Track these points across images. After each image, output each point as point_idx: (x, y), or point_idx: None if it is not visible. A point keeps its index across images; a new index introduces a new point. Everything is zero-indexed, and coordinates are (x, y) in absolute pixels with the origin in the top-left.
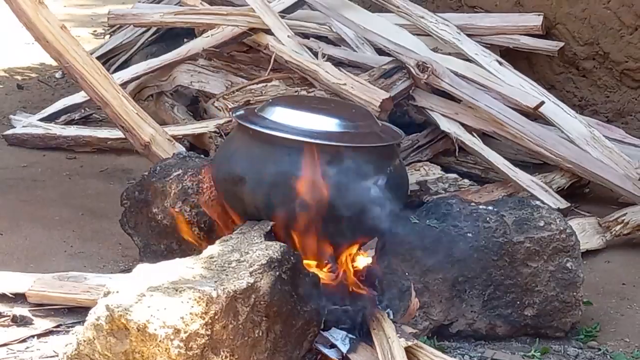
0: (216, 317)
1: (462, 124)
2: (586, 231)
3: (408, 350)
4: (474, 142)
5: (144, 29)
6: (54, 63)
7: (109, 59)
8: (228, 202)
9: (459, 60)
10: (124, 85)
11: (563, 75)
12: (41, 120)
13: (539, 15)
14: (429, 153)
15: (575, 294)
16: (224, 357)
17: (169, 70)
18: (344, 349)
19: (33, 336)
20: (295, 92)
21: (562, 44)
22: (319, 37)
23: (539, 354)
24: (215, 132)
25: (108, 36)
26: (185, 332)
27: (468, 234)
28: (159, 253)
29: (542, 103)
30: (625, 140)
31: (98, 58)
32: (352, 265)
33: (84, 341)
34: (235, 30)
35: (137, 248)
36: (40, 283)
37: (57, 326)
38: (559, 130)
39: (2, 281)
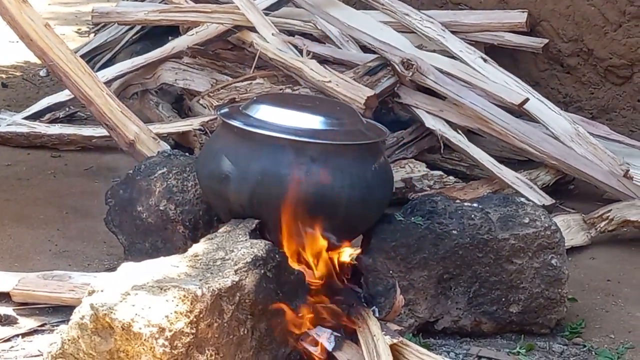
0: (201, 315)
1: (447, 121)
2: (571, 228)
3: (393, 347)
4: (459, 139)
5: (128, 26)
6: (39, 61)
7: (94, 57)
8: (212, 201)
9: (444, 58)
10: (108, 83)
11: (547, 72)
12: (25, 118)
13: (523, 12)
14: (414, 150)
15: (560, 290)
16: (209, 356)
17: (154, 68)
18: (330, 346)
19: (17, 335)
20: (280, 89)
21: (546, 40)
22: (304, 35)
23: (524, 350)
24: (200, 130)
25: (92, 34)
26: (170, 331)
27: (453, 231)
28: (144, 251)
29: (527, 100)
30: (609, 137)
31: (82, 56)
32: (339, 263)
33: (69, 340)
34: (219, 28)
35: (122, 246)
36: (25, 282)
37: (42, 325)
38: (543, 127)
39: None
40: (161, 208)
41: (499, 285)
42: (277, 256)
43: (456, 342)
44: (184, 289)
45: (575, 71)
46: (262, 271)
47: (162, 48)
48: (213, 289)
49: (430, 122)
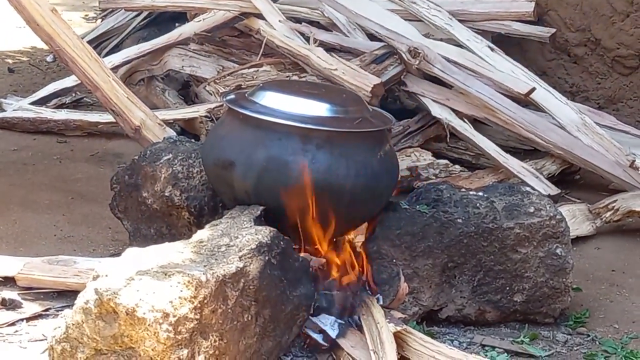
0: (205, 301)
1: (454, 110)
2: (576, 217)
3: (397, 335)
4: (465, 128)
5: (135, 12)
6: (45, 47)
7: (101, 43)
8: (217, 187)
9: (451, 46)
10: (115, 69)
11: (554, 61)
12: (32, 104)
13: (530, 1)
14: (420, 139)
15: (564, 280)
16: (212, 342)
17: (161, 55)
18: (333, 334)
19: (22, 320)
20: (287, 77)
21: (553, 30)
22: (311, 22)
23: (528, 339)
24: (206, 116)
25: (99, 20)
26: (174, 316)
27: (458, 220)
28: (148, 237)
29: (533, 89)
30: (616, 127)
31: (89, 42)
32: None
33: (73, 325)
34: (226, 15)
35: (127, 232)
36: (30, 267)
37: (46, 310)
38: (550, 117)
39: None
40: (166, 194)
41: (504, 274)
42: (281, 243)
43: (460, 330)
44: (188, 274)
45: (582, 61)
46: (267, 258)
47: (169, 34)
48: (217, 275)
49: (437, 111)
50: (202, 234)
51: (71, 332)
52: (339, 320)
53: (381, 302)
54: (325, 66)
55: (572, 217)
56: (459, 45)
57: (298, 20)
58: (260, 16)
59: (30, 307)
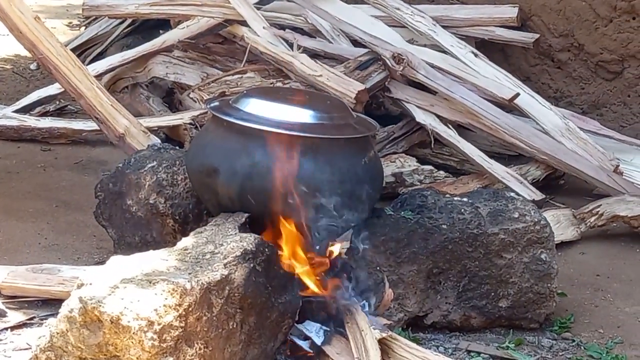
0: (190, 309)
1: (438, 116)
2: (561, 223)
3: (382, 341)
4: (450, 134)
5: (119, 20)
6: (29, 54)
7: (84, 51)
8: (202, 194)
9: (435, 52)
10: (98, 76)
11: (538, 67)
12: (15, 111)
13: (514, 7)
14: (405, 145)
15: (549, 285)
16: (197, 349)
17: (144, 62)
18: (318, 341)
19: (6, 329)
20: (271, 83)
21: (537, 35)
22: (295, 29)
23: (513, 345)
24: (190, 123)
25: (83, 28)
26: (158, 324)
27: (443, 226)
28: (133, 245)
29: (517, 95)
30: (600, 132)
31: (73, 50)
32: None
33: (57, 333)
34: (210, 22)
35: (112, 240)
36: (14, 275)
37: (31, 318)
38: (534, 122)
39: None
40: (151, 202)
41: (489, 279)
42: (266, 250)
43: (445, 336)
44: (173, 282)
45: (566, 66)
46: (252, 265)
47: (152, 41)
48: (202, 283)
49: (421, 117)
50: (187, 242)
51: (56, 340)
52: (325, 327)
53: (366, 309)
54: (310, 72)
55: (556, 222)
56: (443, 51)
57: (282, 27)
58: (244, 23)
59: (15, 316)
